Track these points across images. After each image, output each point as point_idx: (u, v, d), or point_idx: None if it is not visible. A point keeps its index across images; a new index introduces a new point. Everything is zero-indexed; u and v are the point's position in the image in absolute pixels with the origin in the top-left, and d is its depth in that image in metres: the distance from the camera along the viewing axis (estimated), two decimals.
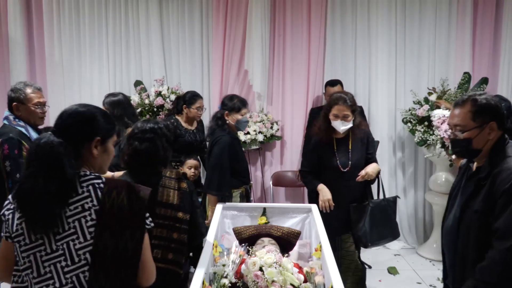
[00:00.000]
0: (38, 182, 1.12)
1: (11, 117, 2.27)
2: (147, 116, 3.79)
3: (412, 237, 4.12)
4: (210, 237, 2.03)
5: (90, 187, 1.17)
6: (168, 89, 3.91)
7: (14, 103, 2.27)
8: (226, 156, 2.61)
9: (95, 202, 1.16)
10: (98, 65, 4.14)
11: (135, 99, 3.84)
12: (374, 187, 2.73)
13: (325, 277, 1.81)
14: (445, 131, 3.10)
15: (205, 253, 1.85)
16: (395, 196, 2.80)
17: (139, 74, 4.15)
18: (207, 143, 2.86)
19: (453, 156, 2.97)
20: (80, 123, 1.23)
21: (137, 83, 4.06)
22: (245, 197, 2.79)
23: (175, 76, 4.15)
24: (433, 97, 3.60)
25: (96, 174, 1.22)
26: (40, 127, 2.36)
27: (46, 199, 1.12)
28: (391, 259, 3.80)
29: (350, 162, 2.60)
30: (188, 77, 4.13)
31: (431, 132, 3.48)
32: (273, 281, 1.69)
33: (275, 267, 1.73)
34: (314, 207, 2.51)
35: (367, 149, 2.68)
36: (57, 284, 1.14)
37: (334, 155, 2.62)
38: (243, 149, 3.30)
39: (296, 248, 2.25)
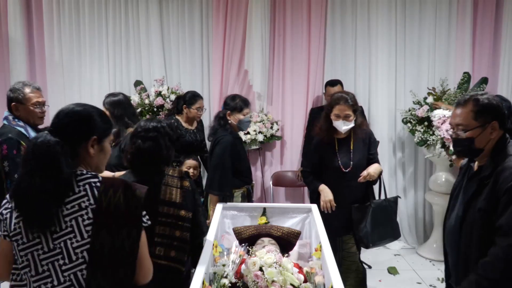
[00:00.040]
0: (35, 181, 1.13)
1: (11, 117, 2.27)
2: (147, 116, 3.79)
3: (412, 237, 4.12)
4: (210, 237, 2.03)
5: (87, 186, 1.18)
6: (168, 89, 3.91)
7: (13, 103, 2.26)
8: (228, 156, 2.61)
9: (92, 201, 1.17)
10: (98, 65, 4.14)
11: (135, 99, 3.84)
12: (375, 187, 2.72)
13: (325, 277, 1.81)
14: (446, 130, 3.10)
15: (205, 253, 1.85)
16: (396, 196, 2.79)
17: (139, 74, 4.15)
18: (209, 143, 2.87)
19: (453, 156, 2.98)
20: (77, 123, 1.23)
21: (137, 83, 4.06)
22: (247, 197, 2.79)
23: (175, 76, 4.15)
24: (430, 99, 3.61)
25: (93, 173, 1.23)
26: (40, 127, 2.35)
27: (43, 198, 1.12)
28: (391, 259, 3.80)
29: (351, 162, 2.59)
30: (188, 77, 4.13)
31: (431, 133, 3.48)
32: (273, 281, 1.69)
33: (275, 267, 1.73)
34: (314, 207, 2.50)
35: (369, 149, 2.67)
36: (55, 282, 1.15)
37: (336, 155, 2.61)
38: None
39: (296, 248, 2.25)
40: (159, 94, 3.88)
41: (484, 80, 3.75)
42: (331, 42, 4.06)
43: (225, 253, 2.06)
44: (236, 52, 4.01)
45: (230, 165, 2.64)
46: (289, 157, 4.16)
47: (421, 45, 4.02)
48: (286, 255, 2.04)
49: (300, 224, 2.52)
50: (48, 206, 1.13)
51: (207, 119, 4.09)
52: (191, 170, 2.96)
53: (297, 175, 3.96)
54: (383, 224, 2.60)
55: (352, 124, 2.54)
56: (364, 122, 2.70)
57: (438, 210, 3.82)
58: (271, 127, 3.95)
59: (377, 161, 2.69)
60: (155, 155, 1.82)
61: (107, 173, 2.32)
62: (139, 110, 3.77)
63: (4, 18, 4.07)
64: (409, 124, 3.71)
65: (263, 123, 3.92)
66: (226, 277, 1.75)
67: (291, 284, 1.73)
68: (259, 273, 1.71)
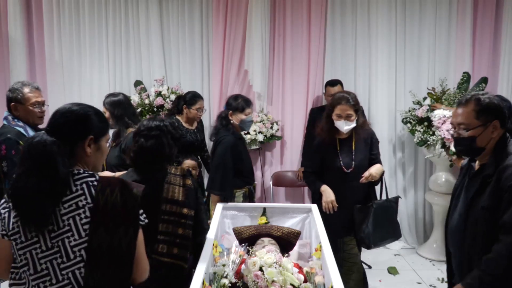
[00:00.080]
0: (31, 180, 1.13)
1: (10, 117, 2.27)
2: (147, 116, 3.78)
3: (412, 237, 4.12)
4: (210, 237, 2.03)
5: (84, 185, 1.19)
6: (168, 89, 3.91)
7: (12, 103, 2.26)
8: (229, 156, 2.62)
9: (89, 200, 1.17)
10: (98, 65, 4.14)
11: (135, 99, 3.84)
12: (376, 187, 2.71)
13: (325, 277, 1.81)
14: (447, 130, 3.10)
15: (205, 253, 1.86)
16: (397, 196, 2.78)
17: (139, 74, 4.15)
18: (211, 142, 2.87)
19: (454, 157, 2.99)
20: (73, 122, 1.24)
21: (137, 83, 4.06)
22: (248, 197, 2.79)
23: (175, 76, 4.15)
24: (427, 101, 3.61)
25: (90, 172, 1.24)
26: (40, 126, 2.35)
27: (39, 197, 1.13)
28: (391, 259, 3.80)
29: (353, 162, 2.57)
30: (188, 77, 4.13)
31: (430, 133, 3.48)
32: (273, 281, 1.69)
33: (275, 267, 1.73)
34: (314, 207, 2.50)
35: (371, 149, 2.65)
36: (54, 281, 1.16)
37: (337, 155, 2.59)
38: None
39: (296, 248, 2.25)
40: (159, 94, 3.88)
41: (484, 80, 3.75)
42: (331, 42, 4.06)
43: (225, 253, 2.06)
44: (236, 52, 4.01)
45: (232, 165, 2.64)
46: (289, 157, 4.16)
47: (421, 45, 4.02)
48: (286, 255, 2.04)
49: (300, 224, 2.52)
50: (44, 206, 1.14)
51: (207, 119, 4.09)
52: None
53: (297, 175, 3.96)
54: (384, 225, 2.58)
55: (354, 124, 2.53)
56: (366, 122, 2.69)
57: (438, 210, 3.83)
58: (271, 127, 3.95)
59: (379, 162, 2.67)
60: (157, 153, 1.84)
61: (107, 173, 2.32)
62: (139, 110, 3.77)
63: (4, 18, 4.07)
64: (409, 124, 3.71)
65: (263, 123, 3.92)
66: (226, 277, 1.75)
67: (291, 284, 1.73)
68: (259, 273, 1.71)
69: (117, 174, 2.34)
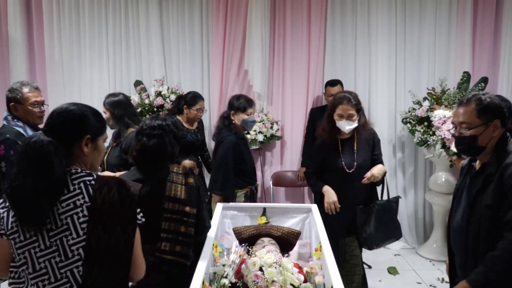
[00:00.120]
0: (27, 180, 1.14)
1: (10, 118, 2.27)
2: (147, 116, 3.79)
3: (412, 237, 4.12)
4: (210, 237, 2.03)
5: (82, 184, 1.20)
6: (168, 89, 3.91)
7: (12, 103, 2.26)
8: (231, 157, 2.63)
9: (86, 199, 1.18)
10: (98, 65, 4.14)
11: (135, 99, 3.84)
12: (377, 187, 2.70)
13: (325, 277, 1.81)
14: (448, 130, 3.10)
15: (205, 253, 1.86)
16: (397, 196, 2.77)
17: (139, 74, 4.15)
18: (212, 142, 2.87)
19: (454, 157, 2.99)
20: (70, 122, 1.24)
21: (137, 83, 4.06)
22: (250, 198, 2.79)
23: (175, 76, 4.15)
24: (426, 103, 3.61)
25: (87, 171, 1.25)
26: (40, 126, 2.35)
27: (36, 197, 1.14)
28: (391, 259, 3.80)
29: (355, 163, 2.56)
30: (188, 77, 4.13)
31: (430, 133, 3.48)
32: (273, 281, 1.69)
33: (275, 267, 1.73)
34: (314, 207, 2.50)
35: (373, 150, 2.64)
36: (52, 279, 1.17)
37: (339, 156, 2.58)
38: None
39: (296, 248, 2.25)
40: (159, 94, 3.88)
41: (484, 80, 3.75)
42: (331, 42, 4.06)
43: (225, 253, 2.06)
44: (236, 52, 4.00)
45: (233, 166, 2.64)
46: (289, 157, 4.16)
47: (421, 45, 4.02)
48: (286, 255, 2.05)
49: (300, 224, 2.52)
50: (41, 205, 1.15)
51: (207, 119, 4.09)
52: None
53: (297, 175, 3.96)
54: (386, 225, 2.57)
55: (355, 124, 2.53)
56: (367, 122, 2.68)
57: (438, 210, 3.83)
58: (271, 127, 3.95)
59: (381, 162, 2.66)
60: (160, 152, 1.87)
61: (108, 173, 2.32)
62: (139, 110, 3.77)
63: (4, 18, 4.07)
64: (408, 125, 3.71)
65: (263, 123, 3.92)
66: (226, 277, 1.75)
67: (291, 284, 1.73)
68: (259, 273, 1.71)
69: (118, 174, 2.34)
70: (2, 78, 4.06)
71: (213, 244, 2.00)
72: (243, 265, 1.83)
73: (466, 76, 3.75)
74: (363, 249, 2.72)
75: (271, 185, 4.02)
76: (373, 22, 4.00)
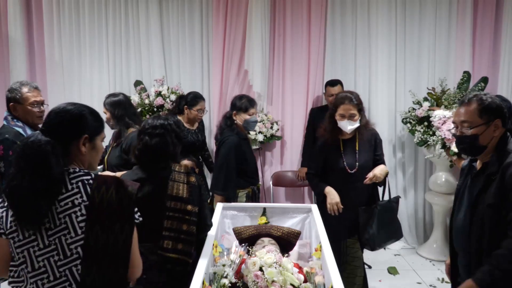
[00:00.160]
0: (25, 180, 1.15)
1: (10, 118, 2.27)
2: (147, 116, 3.79)
3: (412, 237, 4.12)
4: (210, 237, 2.03)
5: (80, 184, 1.21)
6: (168, 89, 3.91)
7: (11, 103, 2.26)
8: (233, 157, 2.63)
9: (84, 198, 1.19)
10: (98, 65, 4.14)
11: (135, 99, 3.84)
12: (379, 188, 2.69)
13: (325, 277, 1.81)
14: (448, 130, 3.10)
15: (205, 253, 1.86)
16: (397, 196, 2.76)
17: (139, 74, 4.15)
18: (216, 143, 2.87)
19: (454, 157, 2.99)
20: (68, 121, 1.25)
21: (137, 83, 4.06)
22: (252, 198, 2.79)
23: (175, 76, 4.15)
24: (426, 104, 3.61)
25: (86, 171, 1.26)
26: (40, 126, 2.35)
27: (34, 196, 1.14)
28: (391, 259, 3.80)
29: (357, 163, 2.55)
30: (188, 77, 4.13)
31: (430, 133, 3.48)
32: (273, 281, 1.69)
33: (275, 267, 1.73)
34: (314, 207, 2.50)
35: (375, 150, 2.63)
36: (51, 278, 1.18)
37: (341, 156, 2.56)
38: None
39: (296, 248, 2.25)
40: (159, 94, 3.88)
41: (484, 80, 3.75)
42: (331, 42, 4.06)
43: (225, 253, 2.06)
44: (236, 52, 4.00)
45: (235, 166, 2.64)
46: (289, 157, 4.16)
47: (421, 45, 4.02)
48: (286, 255, 2.05)
49: (300, 224, 2.51)
50: (39, 204, 1.15)
51: (207, 119, 4.09)
52: None
53: (297, 175, 3.96)
54: (387, 226, 2.56)
55: (357, 124, 2.51)
56: (369, 122, 2.67)
57: (438, 210, 3.83)
58: (271, 127, 3.95)
59: (383, 162, 2.65)
60: (162, 151, 1.89)
61: (108, 173, 2.32)
62: (139, 110, 3.77)
63: (4, 18, 4.07)
64: (408, 125, 3.71)
65: (263, 123, 3.92)
66: (226, 277, 1.75)
67: (291, 284, 1.73)
68: (259, 273, 1.71)
69: (118, 174, 2.34)
70: (2, 78, 4.06)
71: (213, 244, 2.00)
72: (243, 265, 1.83)
73: (466, 76, 3.75)
74: (364, 250, 2.72)
75: (271, 185, 4.02)
76: (373, 22, 4.00)
